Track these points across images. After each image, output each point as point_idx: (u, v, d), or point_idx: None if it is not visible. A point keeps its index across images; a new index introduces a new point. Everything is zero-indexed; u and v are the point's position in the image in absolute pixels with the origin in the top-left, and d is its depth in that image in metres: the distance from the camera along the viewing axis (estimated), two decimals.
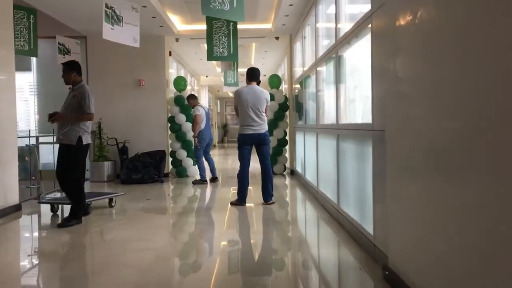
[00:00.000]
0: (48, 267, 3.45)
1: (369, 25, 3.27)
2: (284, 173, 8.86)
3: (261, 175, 5.53)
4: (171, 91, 9.05)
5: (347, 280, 3.13)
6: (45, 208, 5.29)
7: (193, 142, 7.68)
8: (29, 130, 7.29)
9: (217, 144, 22.29)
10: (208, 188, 7.31)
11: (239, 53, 6.50)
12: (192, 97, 7.86)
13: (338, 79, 4.51)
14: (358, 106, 4.32)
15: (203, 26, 6.73)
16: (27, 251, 4.00)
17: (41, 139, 6.61)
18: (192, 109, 7.70)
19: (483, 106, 1.65)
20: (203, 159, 7.66)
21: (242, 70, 12.60)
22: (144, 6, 6.39)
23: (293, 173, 8.72)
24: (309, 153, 6.75)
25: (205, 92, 17.95)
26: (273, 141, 8.33)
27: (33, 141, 6.39)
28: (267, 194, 5.50)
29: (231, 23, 6.17)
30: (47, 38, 7.79)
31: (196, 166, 7.79)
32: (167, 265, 3.39)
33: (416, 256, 2.35)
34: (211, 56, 6.22)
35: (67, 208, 4.88)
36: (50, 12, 6.79)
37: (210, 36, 6.16)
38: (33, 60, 8.30)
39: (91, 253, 3.84)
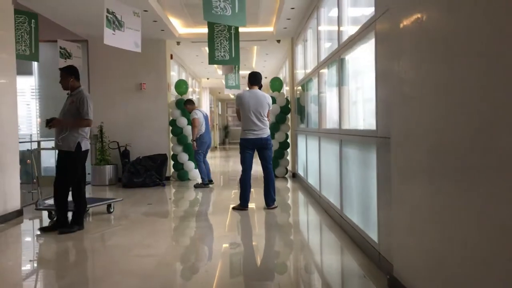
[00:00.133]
0: (49, 274, 3.43)
1: (373, 31, 3.25)
2: (286, 176, 8.83)
3: (264, 180, 5.51)
4: (173, 95, 9.04)
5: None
6: (47, 214, 5.26)
7: (194, 146, 7.67)
8: (31, 135, 7.28)
9: (218, 146, 22.27)
10: (210, 192, 7.29)
11: (240, 56, 6.48)
12: (189, 102, 7.89)
13: (340, 84, 4.48)
14: (362, 111, 4.29)
15: (204, 30, 6.72)
16: (28, 257, 3.96)
17: (42, 144, 6.60)
18: (190, 114, 7.71)
19: (492, 109, 1.63)
20: (196, 160, 7.67)
21: (244, 72, 12.61)
22: (145, 10, 6.37)
23: (294, 176, 8.69)
24: (311, 157, 6.73)
25: (206, 94, 17.94)
26: (275, 144, 8.31)
27: (34, 145, 6.38)
28: (270, 198, 5.48)
29: (233, 27, 6.15)
30: (48, 42, 7.80)
31: (198, 170, 7.76)
32: (169, 272, 3.36)
33: (422, 266, 2.32)
34: (212, 60, 6.20)
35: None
36: (51, 16, 6.78)
37: (211, 40, 6.14)
38: (35, 64, 8.28)
39: (93, 259, 3.82)
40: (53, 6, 6.27)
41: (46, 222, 5.00)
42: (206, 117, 7.80)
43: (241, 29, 6.48)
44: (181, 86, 8.77)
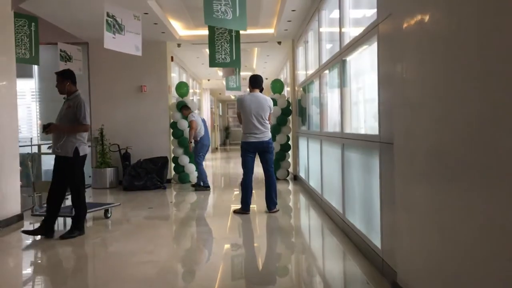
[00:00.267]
0: (49, 281, 3.40)
1: (376, 35, 3.22)
2: (287, 178, 8.81)
3: (265, 184, 5.48)
4: (173, 97, 9.01)
5: None
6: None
7: (191, 147, 7.67)
8: (31, 138, 7.26)
9: (219, 147, 22.25)
10: (211, 195, 7.26)
11: (241, 57, 6.44)
12: (185, 108, 7.92)
13: (342, 87, 4.45)
14: (363, 115, 4.26)
15: (204, 32, 6.69)
16: (28, 263, 3.94)
17: (43, 148, 6.57)
18: (187, 117, 7.72)
19: (497, 112, 1.61)
20: (196, 163, 7.66)
21: (244, 74, 12.62)
22: (146, 13, 6.36)
23: (296, 178, 8.66)
24: (313, 160, 6.70)
25: (207, 95, 17.92)
26: (276, 146, 8.28)
27: (35, 149, 6.35)
28: (271, 202, 5.45)
29: (233, 29, 6.12)
30: (48, 45, 7.78)
31: (198, 173, 7.74)
32: (171, 278, 3.33)
33: (426, 274, 2.29)
34: (213, 63, 6.17)
35: (60, 220, 4.84)
36: (51, 19, 6.76)
37: (212, 42, 6.11)
38: (35, 66, 8.27)
39: (93, 266, 3.79)
40: (53, 9, 6.25)
41: None
42: (203, 121, 7.82)
43: (242, 31, 6.45)
44: (182, 88, 8.74)
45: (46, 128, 4.38)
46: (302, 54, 8.02)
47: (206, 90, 17.61)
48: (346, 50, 4.24)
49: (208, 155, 16.16)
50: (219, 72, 12.77)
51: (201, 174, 7.60)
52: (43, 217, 4.73)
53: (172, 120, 8.54)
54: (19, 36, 5.79)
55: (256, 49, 10.44)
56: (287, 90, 9.99)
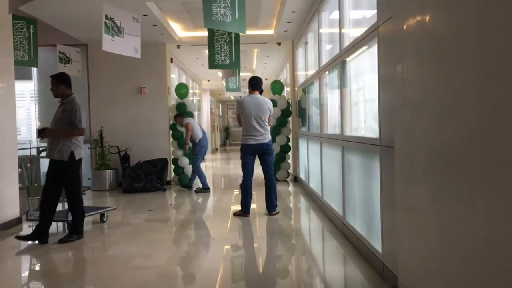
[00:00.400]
0: (47, 286, 3.37)
1: (376, 37, 3.19)
2: (288, 179, 8.78)
3: (265, 186, 5.46)
4: (173, 98, 8.99)
5: None
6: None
7: (190, 150, 7.68)
8: (30, 141, 7.23)
9: (219, 148, 22.22)
10: (211, 196, 7.24)
11: (240, 58, 6.41)
12: (178, 115, 7.93)
13: (342, 89, 4.43)
14: (364, 116, 4.24)
15: (204, 33, 6.66)
16: (26, 268, 3.92)
17: (41, 150, 6.53)
18: (183, 122, 7.75)
19: (497, 112, 1.60)
20: (194, 165, 7.67)
21: (244, 74, 12.59)
22: (145, 15, 6.34)
23: (296, 179, 8.64)
24: (313, 162, 6.67)
25: (206, 96, 17.89)
26: (276, 148, 8.26)
27: (33, 151, 6.33)
28: (271, 204, 5.43)
29: None
30: (48, 46, 7.75)
31: (197, 175, 7.73)
32: (170, 282, 3.31)
33: (428, 279, 2.26)
34: (212, 65, 6.14)
35: (60, 224, 4.80)
36: (50, 21, 6.74)
37: (211, 44, 6.08)
38: (34, 68, 8.25)
39: (92, 271, 3.76)
40: (52, 11, 6.23)
41: None
42: (199, 125, 7.90)
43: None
44: (182, 89, 8.71)
45: (41, 133, 4.34)
46: (302, 55, 8.00)
47: (206, 91, 17.59)
48: (346, 52, 4.21)
49: (208, 156, 16.16)
50: (219, 73, 12.74)
51: (200, 176, 7.59)
52: (37, 222, 4.69)
53: (171, 122, 8.51)
54: (17, 38, 5.76)
55: (256, 50, 10.42)
56: (287, 91, 9.97)
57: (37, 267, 3.92)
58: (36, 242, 4.35)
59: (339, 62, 4.49)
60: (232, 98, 20.53)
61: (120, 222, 5.42)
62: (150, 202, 6.81)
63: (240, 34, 6.28)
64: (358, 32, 3.82)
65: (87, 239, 4.51)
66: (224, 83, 10.96)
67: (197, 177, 7.69)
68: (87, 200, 7.14)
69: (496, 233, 1.61)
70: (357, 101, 4.37)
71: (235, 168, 11.37)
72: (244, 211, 5.40)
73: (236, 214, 5.47)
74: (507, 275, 1.54)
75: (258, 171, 5.67)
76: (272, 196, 5.43)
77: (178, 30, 8.24)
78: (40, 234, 4.32)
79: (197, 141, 7.57)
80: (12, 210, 5.18)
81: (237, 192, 6.33)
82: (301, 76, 8.13)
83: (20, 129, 8.94)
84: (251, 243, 4.52)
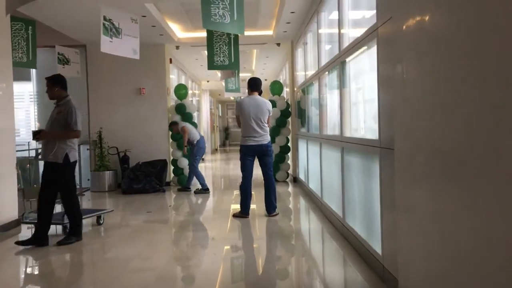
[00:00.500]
0: None
1: (375, 38, 3.18)
2: (287, 180, 8.77)
3: (264, 187, 5.44)
4: (172, 99, 8.97)
5: None
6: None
7: (188, 151, 7.67)
8: (28, 142, 7.21)
9: (218, 148, 22.21)
10: (211, 197, 7.23)
11: (240, 59, 6.40)
12: (173, 124, 7.93)
13: (341, 90, 4.41)
14: (363, 116, 4.22)
15: (203, 34, 6.64)
16: (24, 270, 3.90)
17: (40, 152, 6.51)
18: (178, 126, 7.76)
19: (497, 112, 1.58)
20: (192, 166, 7.65)
21: (243, 75, 12.57)
22: (144, 16, 6.32)
23: (295, 180, 8.63)
24: (312, 162, 6.66)
25: (206, 96, 17.87)
26: (275, 148, 8.25)
27: (32, 153, 6.31)
28: (271, 206, 5.41)
29: None
30: (46, 48, 7.73)
31: (195, 176, 7.71)
32: (170, 284, 3.29)
33: (428, 282, 2.24)
34: (211, 66, 6.12)
35: (55, 227, 4.78)
36: (48, 22, 6.72)
37: (210, 45, 6.07)
38: (33, 69, 8.23)
39: (91, 273, 3.74)
40: (51, 12, 6.21)
41: None
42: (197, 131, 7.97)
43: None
44: (181, 90, 8.71)
45: (36, 135, 4.31)
46: (301, 56, 7.99)
47: (205, 91, 17.57)
48: (345, 53, 4.20)
49: (208, 156, 16.15)
50: (218, 73, 12.73)
51: (198, 177, 7.58)
52: (33, 224, 4.66)
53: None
54: (16, 39, 5.74)
55: (255, 50, 10.41)
56: (286, 91, 9.95)
57: (35, 270, 3.90)
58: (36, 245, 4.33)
59: (338, 63, 4.47)
60: (232, 98, 20.52)
61: (119, 224, 5.41)
62: (149, 203, 6.79)
63: (239, 35, 6.27)
64: (358, 32, 3.81)
65: (86, 241, 4.49)
66: (223, 84, 10.95)
67: (196, 178, 7.67)
68: (86, 201, 7.13)
69: (496, 234, 1.60)
70: (357, 102, 4.36)
71: (235, 169, 11.35)
72: (244, 213, 5.38)
73: (235, 215, 5.45)
74: (507, 276, 1.53)
75: (257, 171, 5.66)
76: (272, 197, 5.41)
77: (177, 31, 8.22)
78: (40, 238, 4.29)
79: (194, 142, 7.57)
80: (11, 212, 5.16)
81: (237, 192, 6.31)
82: (301, 76, 8.11)
83: (20, 131, 8.92)
84: (250, 244, 4.50)
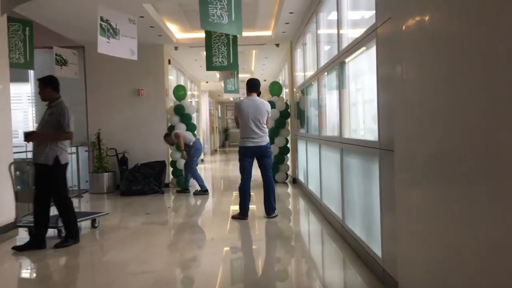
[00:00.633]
0: None
1: (374, 38, 3.15)
2: (286, 181, 8.74)
3: (263, 188, 5.41)
4: (171, 100, 8.94)
5: None
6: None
7: (185, 155, 7.63)
8: (26, 144, 7.17)
9: (218, 149, 22.18)
10: (210, 199, 7.20)
11: (239, 60, 6.37)
12: (166, 136, 7.84)
13: (341, 91, 4.39)
14: (363, 116, 4.20)
15: (202, 34, 6.62)
16: (21, 273, 3.87)
17: None
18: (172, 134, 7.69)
19: (497, 112, 1.56)
20: (190, 168, 7.63)
21: (242, 76, 12.54)
22: (142, 16, 6.29)
23: (295, 181, 8.60)
24: (311, 164, 6.63)
25: (205, 97, 17.85)
26: (274, 149, 8.22)
27: (30, 155, 6.25)
28: (270, 207, 5.38)
29: None
30: (44, 49, 7.70)
31: (194, 178, 7.69)
32: (169, 287, 3.27)
33: (428, 284, 2.22)
34: (210, 67, 6.10)
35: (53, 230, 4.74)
36: (46, 23, 6.69)
37: (209, 45, 6.04)
38: (31, 70, 8.20)
39: (89, 276, 3.71)
40: (48, 13, 6.18)
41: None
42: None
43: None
44: (179, 91, 8.68)
45: (28, 136, 4.26)
46: (300, 56, 7.96)
47: (204, 92, 17.54)
48: (344, 53, 4.17)
49: (207, 157, 16.12)
50: (217, 74, 12.70)
51: (197, 179, 7.56)
52: (26, 228, 4.62)
53: (169, 124, 8.47)
54: (13, 40, 5.71)
55: (254, 51, 10.38)
56: (285, 92, 9.92)
57: (32, 273, 3.87)
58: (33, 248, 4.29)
59: (337, 63, 4.45)
60: (231, 99, 20.51)
61: (118, 226, 5.37)
62: (148, 205, 6.76)
63: (237, 35, 6.24)
64: (357, 33, 3.78)
65: (83, 244, 4.46)
66: (222, 85, 10.92)
67: (195, 180, 7.65)
68: (85, 203, 7.10)
69: (496, 236, 1.57)
70: (356, 103, 4.33)
71: (234, 170, 11.31)
72: (243, 214, 5.35)
73: (234, 217, 5.42)
74: (508, 277, 1.50)
75: (256, 173, 5.63)
76: (271, 198, 5.38)
77: (176, 31, 8.19)
78: (36, 242, 4.25)
79: (191, 144, 7.53)
80: (8, 214, 5.12)
81: (236, 193, 6.28)
82: (300, 77, 8.09)
83: (18, 133, 8.88)
84: (250, 245, 4.47)
